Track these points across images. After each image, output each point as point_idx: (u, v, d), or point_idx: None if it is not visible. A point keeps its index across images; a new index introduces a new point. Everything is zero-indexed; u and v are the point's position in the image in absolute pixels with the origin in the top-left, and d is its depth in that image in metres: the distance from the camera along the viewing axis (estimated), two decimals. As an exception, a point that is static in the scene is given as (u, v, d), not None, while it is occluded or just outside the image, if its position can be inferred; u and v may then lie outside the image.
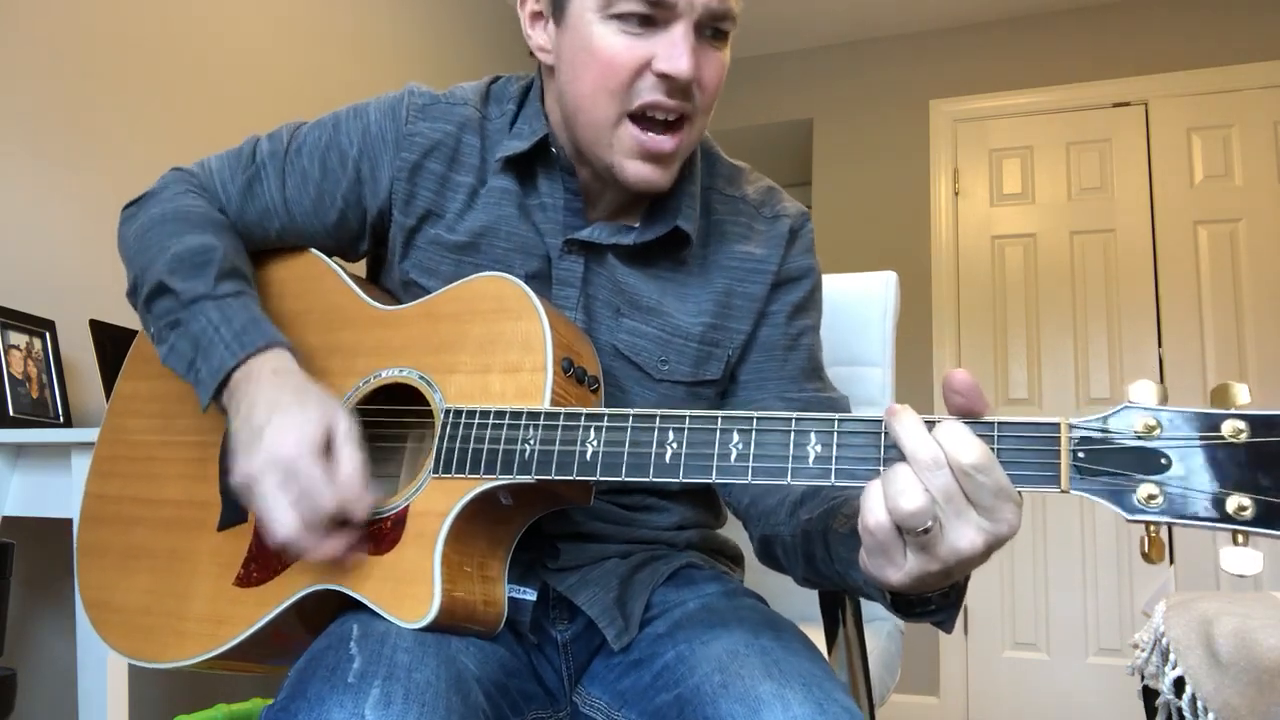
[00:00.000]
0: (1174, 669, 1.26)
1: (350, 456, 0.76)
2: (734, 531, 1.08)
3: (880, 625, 1.34)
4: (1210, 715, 1.21)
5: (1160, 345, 3.40)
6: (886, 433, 0.64)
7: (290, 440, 0.75)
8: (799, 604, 1.23)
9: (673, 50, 0.82)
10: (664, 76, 0.83)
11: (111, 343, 1.78)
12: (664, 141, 0.86)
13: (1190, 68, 3.50)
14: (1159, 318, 3.42)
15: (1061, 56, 3.67)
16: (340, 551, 0.77)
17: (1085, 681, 3.30)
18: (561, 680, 0.90)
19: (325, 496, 0.74)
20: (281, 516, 0.74)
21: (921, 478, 0.60)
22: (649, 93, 0.84)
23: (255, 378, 0.81)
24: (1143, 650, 1.33)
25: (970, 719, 3.42)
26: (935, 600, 0.70)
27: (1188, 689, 1.24)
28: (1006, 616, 3.44)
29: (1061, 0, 3.66)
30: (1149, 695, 1.32)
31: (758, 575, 1.09)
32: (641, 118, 0.86)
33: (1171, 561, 3.20)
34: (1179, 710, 1.25)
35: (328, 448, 0.77)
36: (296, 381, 0.81)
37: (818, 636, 1.04)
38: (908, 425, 0.62)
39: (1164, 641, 1.29)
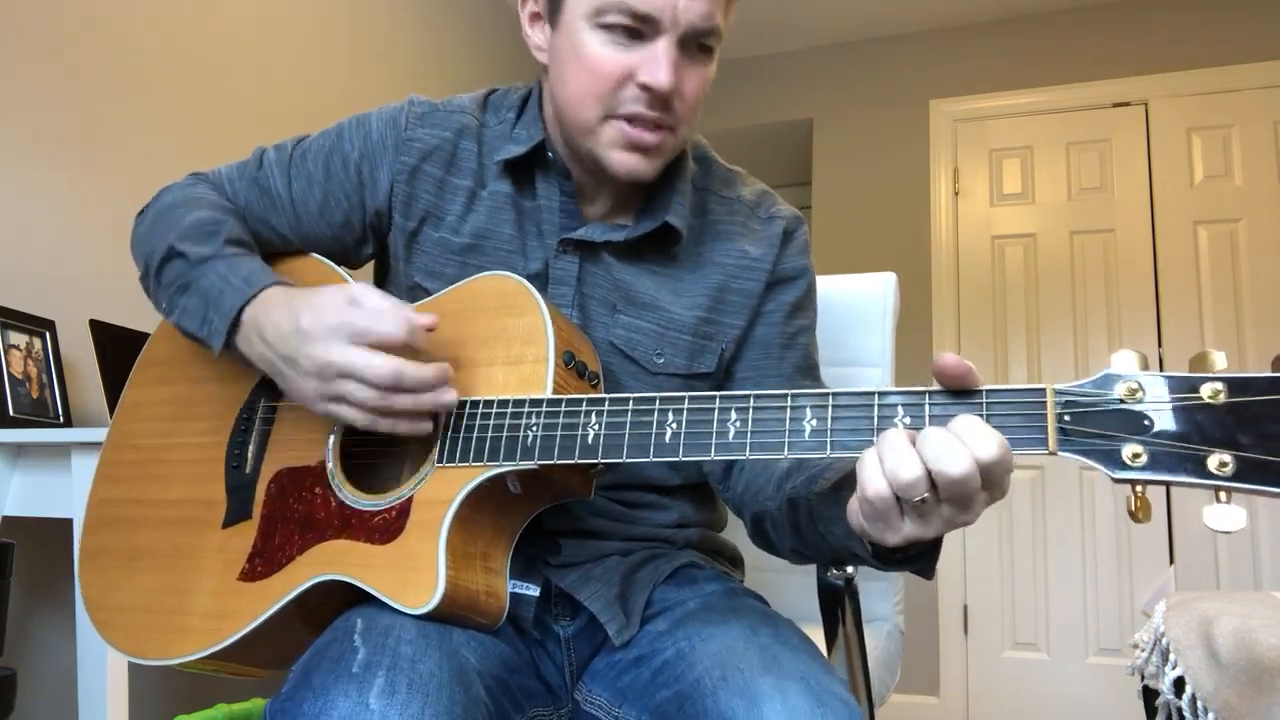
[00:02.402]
0: (1174, 669, 1.26)
1: (377, 297, 0.80)
2: (734, 534, 1.08)
3: (880, 625, 1.34)
4: (1210, 715, 1.21)
5: (1160, 345, 3.40)
6: (917, 441, 0.63)
7: (328, 313, 0.80)
8: (799, 604, 1.23)
9: (654, 65, 0.86)
10: (645, 88, 0.86)
11: (111, 343, 1.78)
12: (646, 135, 0.89)
13: (1190, 68, 3.50)
14: (1159, 318, 3.42)
15: (1061, 56, 3.67)
16: (448, 372, 0.80)
17: (1085, 681, 3.30)
18: (563, 677, 0.91)
19: (390, 324, 0.78)
20: (375, 361, 0.77)
21: (942, 487, 0.61)
22: (631, 103, 0.88)
23: (266, 307, 0.85)
24: (1143, 650, 1.33)
25: (970, 719, 3.42)
26: (915, 547, 0.72)
27: (1188, 689, 1.24)
28: (1006, 616, 3.44)
29: (1061, 0, 3.66)
30: (1149, 695, 1.33)
31: (758, 575, 1.10)
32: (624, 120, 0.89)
33: (1171, 561, 3.20)
34: (1179, 710, 1.25)
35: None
36: (300, 290, 0.86)
37: (817, 636, 1.04)
38: (940, 442, 0.62)
39: (1164, 641, 1.29)
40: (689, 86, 0.89)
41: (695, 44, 0.88)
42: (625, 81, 0.87)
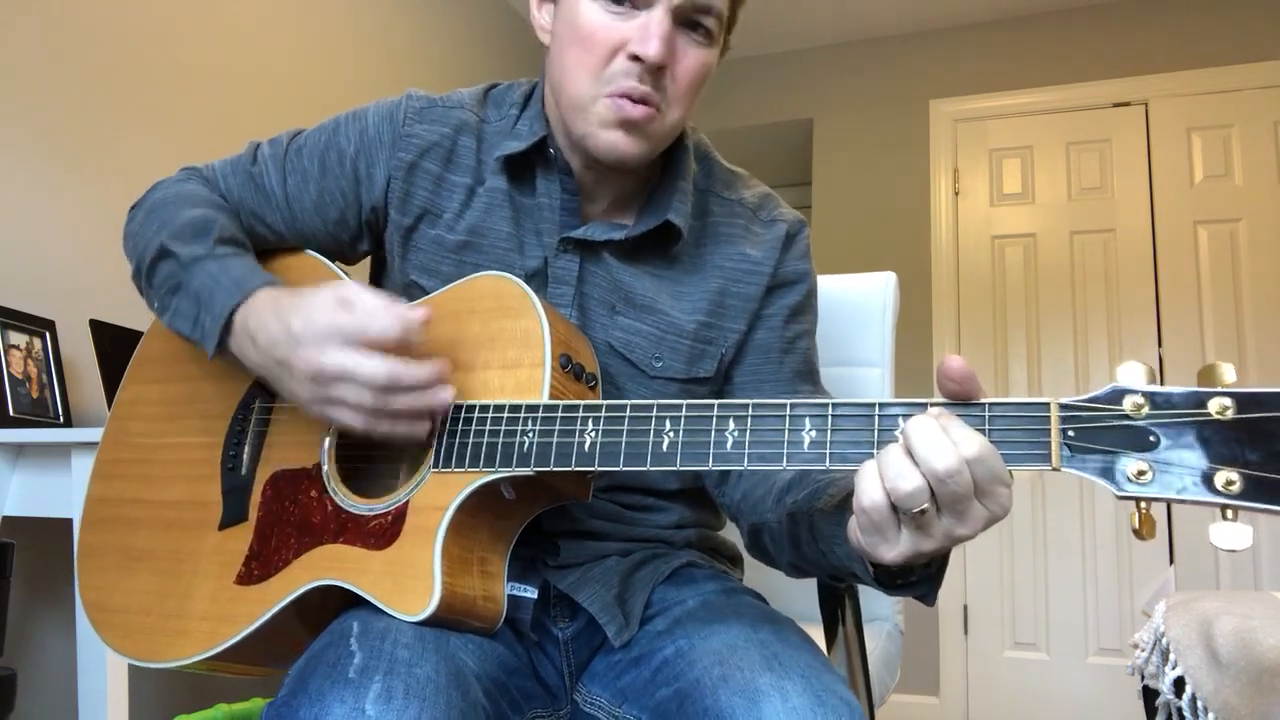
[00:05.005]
0: (1174, 669, 1.26)
1: (369, 296, 0.78)
2: (732, 533, 1.08)
3: (880, 625, 1.34)
4: (1210, 715, 1.21)
5: (1160, 345, 3.40)
6: (904, 433, 0.63)
7: (318, 314, 0.78)
8: (799, 603, 1.23)
9: (645, 33, 0.84)
10: (634, 58, 0.84)
11: (111, 343, 1.78)
12: (631, 109, 0.86)
13: (1190, 68, 3.50)
14: (1159, 318, 3.42)
15: (1061, 56, 3.67)
16: (444, 371, 0.78)
17: (1085, 681, 3.30)
18: (562, 678, 0.90)
19: (383, 323, 0.76)
20: (368, 363, 0.75)
21: (933, 483, 0.61)
22: (622, 78, 0.85)
23: (256, 311, 0.84)
24: (1143, 650, 1.33)
25: (970, 719, 3.42)
26: (918, 571, 0.71)
27: (1188, 689, 1.24)
28: (1006, 616, 3.44)
29: (1061, 0, 3.66)
30: (1149, 695, 1.32)
31: (757, 574, 1.10)
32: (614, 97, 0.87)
33: (1171, 561, 3.20)
34: (1179, 710, 1.25)
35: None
36: (291, 291, 0.84)
37: (818, 636, 1.04)
38: (925, 431, 0.62)
39: (1164, 641, 1.29)
40: (683, 66, 0.87)
41: (692, 22, 0.86)
42: (617, 53, 0.85)
